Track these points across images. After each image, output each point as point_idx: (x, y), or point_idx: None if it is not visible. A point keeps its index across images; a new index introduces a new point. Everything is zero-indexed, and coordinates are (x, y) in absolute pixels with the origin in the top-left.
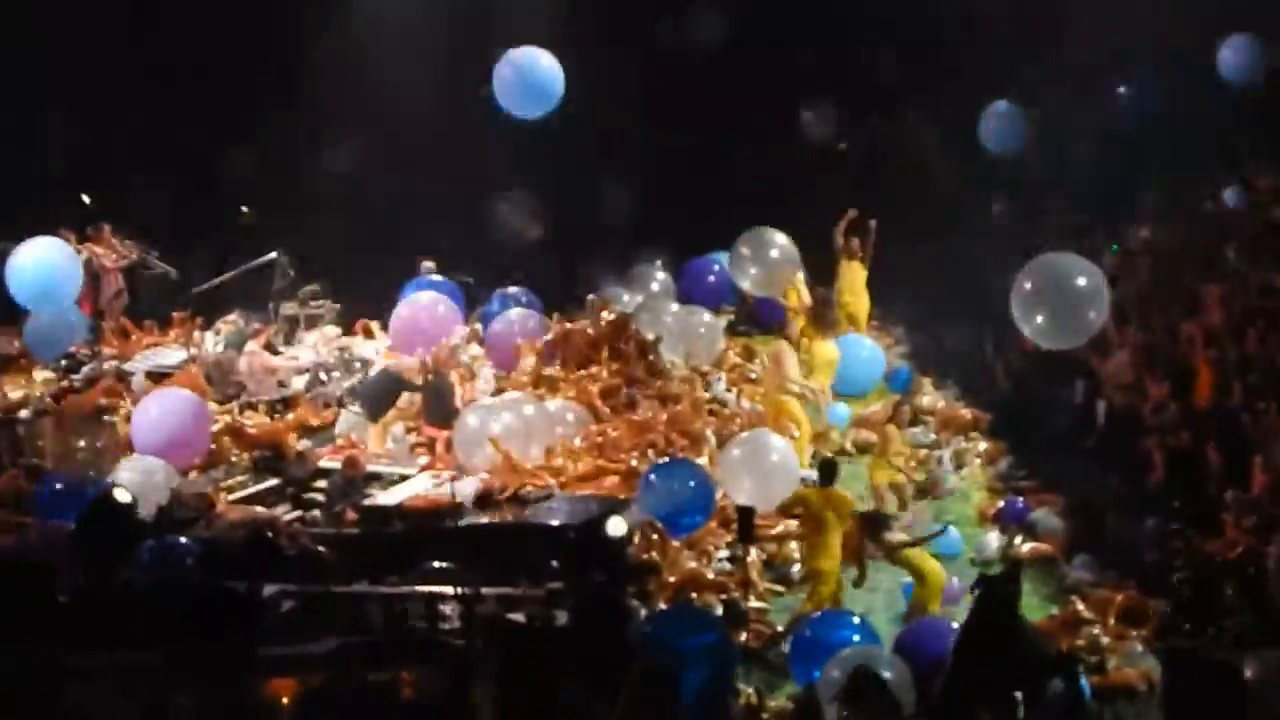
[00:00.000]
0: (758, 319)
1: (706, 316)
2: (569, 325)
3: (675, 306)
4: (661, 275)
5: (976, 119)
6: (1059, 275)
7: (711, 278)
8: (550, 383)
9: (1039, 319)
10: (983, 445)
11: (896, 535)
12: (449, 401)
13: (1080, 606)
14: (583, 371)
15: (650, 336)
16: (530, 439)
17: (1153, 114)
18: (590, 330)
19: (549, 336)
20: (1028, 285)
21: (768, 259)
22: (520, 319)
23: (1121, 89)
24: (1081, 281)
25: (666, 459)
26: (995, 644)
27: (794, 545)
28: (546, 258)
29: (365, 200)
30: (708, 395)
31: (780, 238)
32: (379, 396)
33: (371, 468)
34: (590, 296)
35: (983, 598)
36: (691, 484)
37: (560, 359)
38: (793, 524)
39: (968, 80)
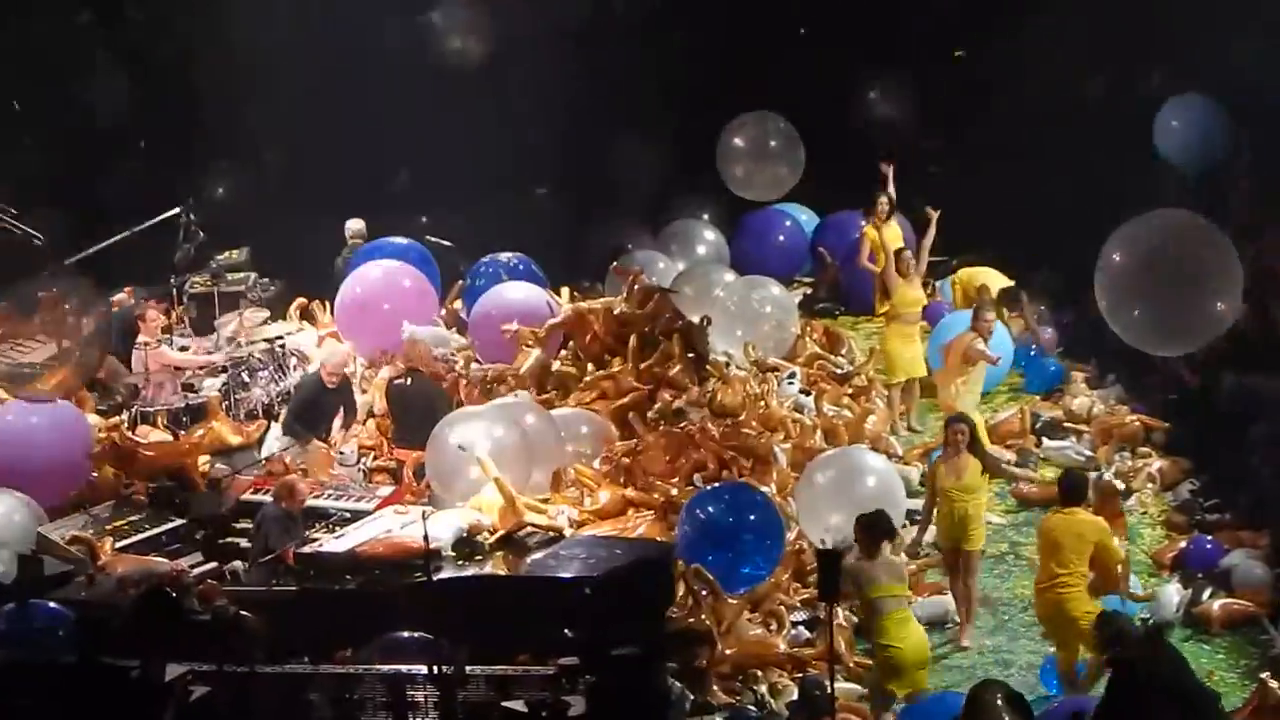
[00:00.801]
0: (846, 292)
1: (774, 290)
2: (584, 304)
3: (730, 276)
4: (711, 234)
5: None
6: (1167, 246)
7: (780, 237)
8: (560, 382)
9: (1136, 311)
10: (1157, 464)
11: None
12: (437, 412)
13: None
14: (604, 369)
15: (696, 318)
16: (532, 460)
17: None
18: (614, 310)
19: (557, 319)
20: (1117, 257)
21: (766, 151)
22: (518, 296)
23: None
24: (1203, 253)
25: (719, 486)
26: None
27: None
28: (552, 211)
29: (302, 137)
30: (776, 399)
31: (783, 124)
32: (308, 410)
33: (314, 501)
34: (613, 264)
35: (1113, 681)
36: (753, 519)
37: (573, 350)
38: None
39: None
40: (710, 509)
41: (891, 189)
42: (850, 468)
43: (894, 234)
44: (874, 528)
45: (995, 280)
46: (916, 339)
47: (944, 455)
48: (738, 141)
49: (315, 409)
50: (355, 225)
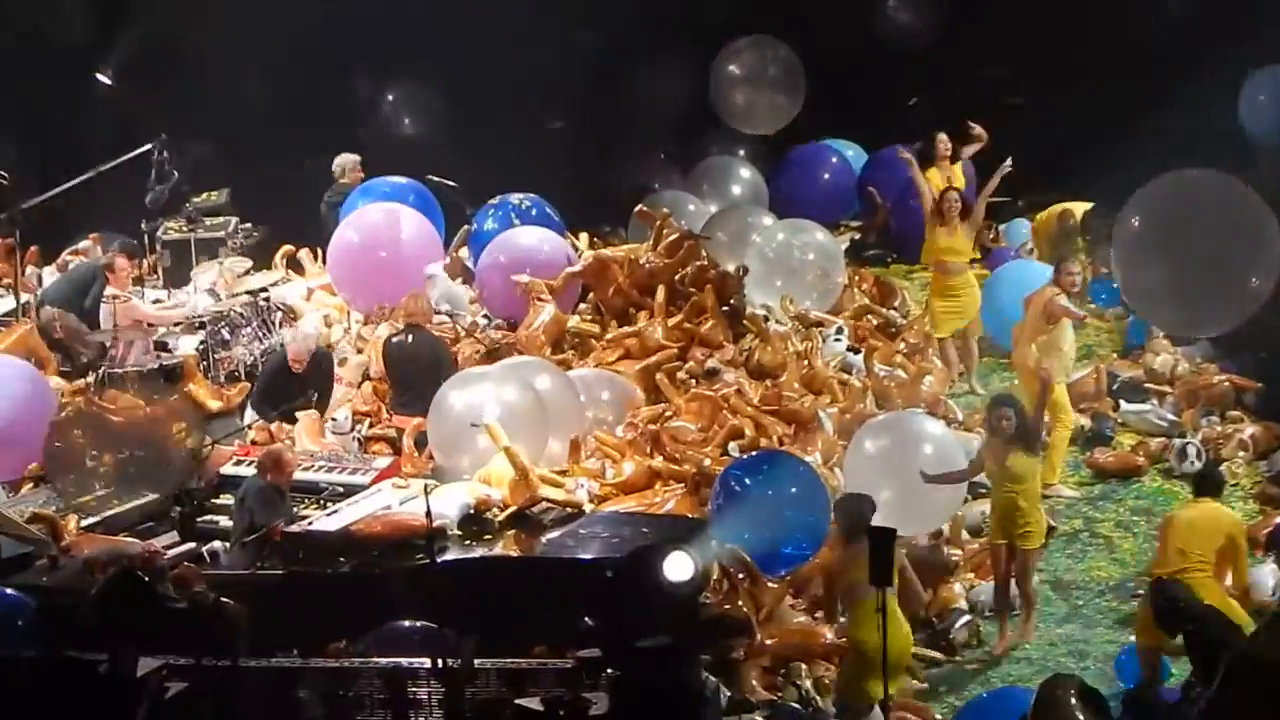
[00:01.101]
0: (898, 237)
1: (819, 235)
2: (605, 252)
3: (769, 220)
4: (747, 173)
5: None
6: (1193, 211)
7: (826, 175)
8: (579, 340)
9: (1159, 289)
10: (1249, 429)
11: None
12: (440, 373)
13: None
14: (628, 325)
15: (731, 267)
16: (548, 428)
17: None
18: (639, 259)
19: (575, 268)
20: (1136, 221)
21: (765, 78)
22: (530, 242)
23: None
24: (1242, 218)
25: (757, 455)
26: None
27: (958, 588)
28: (569, 146)
29: (289, 65)
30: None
31: (783, 52)
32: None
33: (303, 474)
34: (638, 207)
35: (1224, 682)
36: (795, 493)
37: (593, 303)
38: (956, 553)
39: None
40: (747, 481)
41: (980, 130)
42: (904, 434)
43: (958, 182)
44: (853, 513)
45: (1078, 209)
46: (961, 291)
47: (989, 440)
48: (733, 69)
49: (280, 393)
50: (344, 161)
